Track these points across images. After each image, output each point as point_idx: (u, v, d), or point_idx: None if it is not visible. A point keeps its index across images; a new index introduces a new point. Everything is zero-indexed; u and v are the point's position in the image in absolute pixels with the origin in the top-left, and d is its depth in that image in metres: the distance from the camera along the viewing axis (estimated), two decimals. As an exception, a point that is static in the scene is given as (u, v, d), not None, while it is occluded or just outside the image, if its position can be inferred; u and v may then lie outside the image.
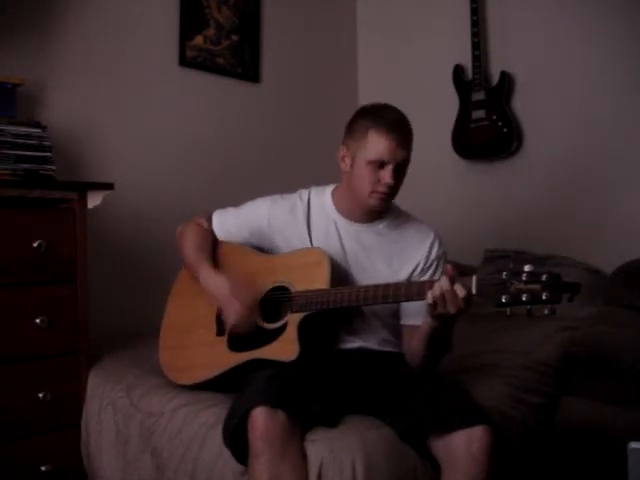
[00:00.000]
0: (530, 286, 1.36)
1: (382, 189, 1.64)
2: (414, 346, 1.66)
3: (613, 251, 2.62)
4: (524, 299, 1.36)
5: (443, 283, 1.43)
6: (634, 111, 2.69)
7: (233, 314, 1.64)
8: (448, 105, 3.13)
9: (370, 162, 1.63)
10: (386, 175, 1.63)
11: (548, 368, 2.07)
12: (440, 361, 1.71)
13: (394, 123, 1.64)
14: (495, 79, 3.02)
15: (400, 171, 1.66)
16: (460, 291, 1.42)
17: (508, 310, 1.40)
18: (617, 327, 2.13)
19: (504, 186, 3.07)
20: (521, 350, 2.12)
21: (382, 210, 1.72)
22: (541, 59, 2.94)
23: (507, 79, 2.98)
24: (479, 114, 3.01)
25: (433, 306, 1.46)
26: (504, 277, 1.39)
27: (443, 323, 1.53)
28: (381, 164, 1.63)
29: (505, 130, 2.95)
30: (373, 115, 1.66)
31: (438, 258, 1.74)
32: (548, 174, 2.93)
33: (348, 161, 1.70)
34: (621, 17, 2.72)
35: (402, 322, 1.73)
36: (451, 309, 1.44)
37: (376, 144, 1.62)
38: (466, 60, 3.10)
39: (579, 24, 2.84)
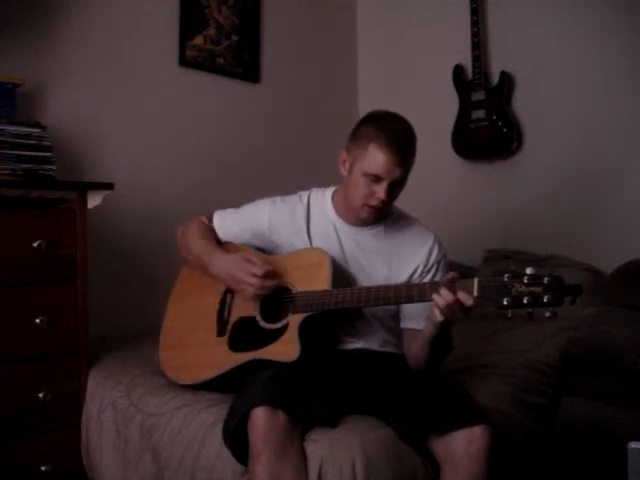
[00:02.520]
0: (532, 289, 1.35)
1: (374, 203, 1.63)
2: (415, 350, 1.66)
3: (613, 251, 2.61)
4: (525, 302, 1.36)
5: (446, 296, 1.43)
6: (634, 111, 2.68)
7: (249, 280, 1.62)
8: (448, 105, 3.13)
9: (366, 174, 1.61)
10: (380, 190, 1.61)
11: (548, 368, 2.07)
12: (443, 361, 1.71)
13: (397, 139, 1.60)
14: (495, 79, 3.02)
15: (395, 187, 1.64)
16: (466, 300, 1.42)
17: (509, 312, 1.40)
18: (617, 327, 2.13)
19: (504, 186, 3.07)
20: (521, 350, 2.12)
21: (371, 222, 1.71)
22: (541, 59, 2.94)
23: (507, 79, 2.97)
24: (479, 114, 3.01)
25: (443, 319, 1.46)
26: (505, 279, 1.39)
27: (444, 328, 1.53)
28: (376, 178, 1.61)
29: (505, 130, 2.95)
30: (378, 126, 1.62)
31: (438, 261, 1.73)
32: (548, 174, 2.93)
33: (347, 166, 1.69)
34: (621, 17, 2.72)
35: (402, 325, 1.73)
36: (459, 315, 1.45)
37: (374, 158, 1.59)
38: (466, 60, 3.09)
39: (579, 24, 2.84)
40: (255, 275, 1.62)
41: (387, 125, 1.62)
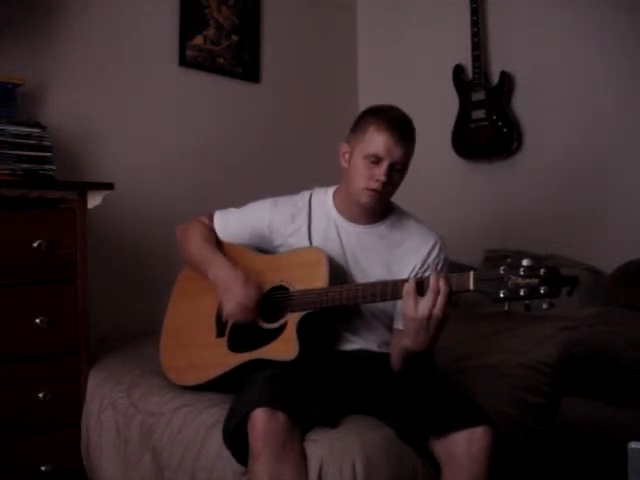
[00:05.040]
0: (528, 280, 1.34)
1: (374, 186, 1.63)
2: (393, 356, 1.64)
3: (613, 251, 2.61)
4: (522, 294, 1.34)
5: (409, 286, 1.43)
6: (634, 111, 2.69)
7: (231, 305, 1.63)
8: (448, 105, 3.13)
9: (366, 156, 1.63)
10: (380, 172, 1.62)
11: (548, 368, 2.07)
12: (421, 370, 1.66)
13: (396, 121, 1.64)
14: (495, 79, 3.02)
15: (396, 171, 1.64)
16: (442, 284, 1.41)
17: (506, 305, 1.39)
18: (617, 327, 2.13)
19: (504, 186, 3.07)
20: (521, 350, 2.12)
21: (372, 208, 1.70)
22: (541, 59, 2.94)
23: (507, 79, 2.98)
24: (479, 114, 3.01)
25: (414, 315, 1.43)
26: (502, 272, 1.37)
27: (421, 342, 1.48)
28: (377, 160, 1.62)
29: (505, 130, 2.95)
30: (377, 113, 1.67)
31: (435, 263, 1.70)
32: (548, 174, 2.93)
33: (347, 157, 1.71)
34: (621, 17, 2.71)
35: (394, 325, 1.71)
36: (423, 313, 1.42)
37: (374, 139, 1.62)
38: (466, 60, 3.10)
39: (579, 24, 2.84)
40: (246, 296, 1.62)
41: (386, 111, 1.67)
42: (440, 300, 1.42)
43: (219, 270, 1.70)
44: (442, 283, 1.42)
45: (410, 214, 1.81)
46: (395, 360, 1.63)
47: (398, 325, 1.67)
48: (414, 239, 1.73)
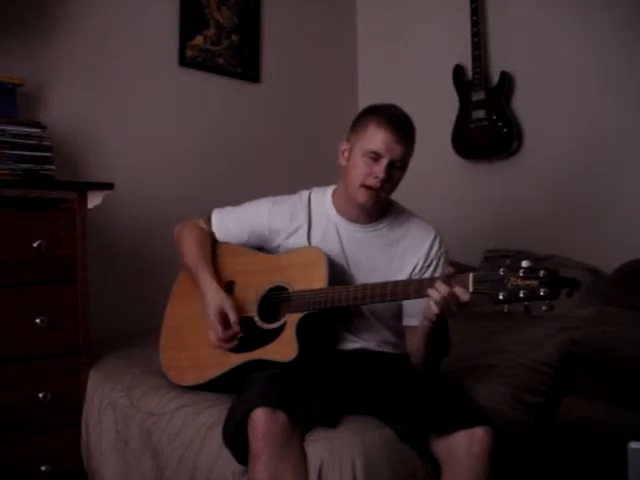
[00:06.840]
0: (528, 282, 1.34)
1: (372, 183, 1.63)
2: (414, 346, 1.66)
3: (613, 251, 2.61)
4: (522, 295, 1.34)
5: (441, 289, 1.42)
6: (634, 111, 2.68)
7: (213, 337, 1.67)
8: (448, 105, 3.13)
9: (366, 153, 1.63)
10: (379, 169, 1.62)
11: (548, 368, 2.07)
12: (442, 360, 1.70)
13: (396, 119, 1.64)
14: (495, 79, 3.02)
15: (395, 169, 1.65)
16: (462, 295, 1.41)
17: (506, 307, 1.39)
18: (617, 327, 2.13)
19: (504, 186, 3.07)
20: (521, 350, 2.12)
21: (371, 208, 1.70)
22: (541, 59, 2.94)
23: (507, 79, 2.98)
24: (479, 114, 3.01)
25: (438, 311, 1.45)
26: (501, 273, 1.37)
27: (440, 323, 1.52)
28: (376, 157, 1.62)
29: (505, 130, 2.95)
30: (378, 110, 1.67)
31: (438, 257, 1.73)
32: (548, 174, 2.93)
33: (347, 154, 1.71)
34: (620, 17, 2.71)
35: (404, 323, 1.72)
36: (454, 309, 1.44)
37: (374, 136, 1.63)
38: (466, 60, 3.10)
39: (579, 24, 2.84)
40: (218, 333, 1.65)
41: (387, 110, 1.68)
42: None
43: (205, 289, 1.71)
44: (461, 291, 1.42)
45: (407, 209, 1.82)
46: (414, 352, 1.66)
47: (411, 322, 1.69)
48: (414, 234, 1.75)
